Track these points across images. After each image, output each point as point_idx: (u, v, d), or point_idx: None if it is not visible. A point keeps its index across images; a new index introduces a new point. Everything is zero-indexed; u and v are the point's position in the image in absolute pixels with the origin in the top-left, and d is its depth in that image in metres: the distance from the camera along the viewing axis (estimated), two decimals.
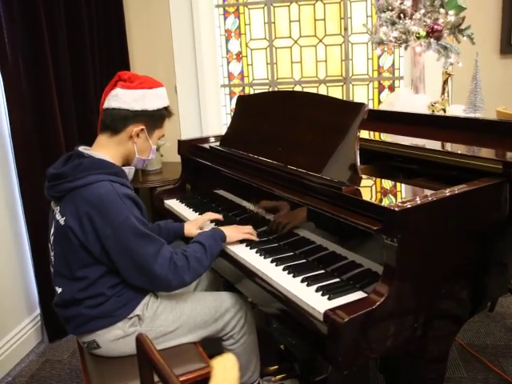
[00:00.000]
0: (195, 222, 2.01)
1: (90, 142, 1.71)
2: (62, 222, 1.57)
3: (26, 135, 2.49)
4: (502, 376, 2.22)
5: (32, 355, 2.62)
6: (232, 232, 1.79)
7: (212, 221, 2.05)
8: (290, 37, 3.80)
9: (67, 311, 1.65)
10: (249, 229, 1.83)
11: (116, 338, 1.64)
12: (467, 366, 2.31)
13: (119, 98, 1.61)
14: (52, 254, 1.69)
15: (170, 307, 1.72)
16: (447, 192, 1.39)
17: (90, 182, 1.53)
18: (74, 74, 2.90)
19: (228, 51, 3.89)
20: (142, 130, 1.65)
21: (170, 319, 1.70)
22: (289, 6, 3.72)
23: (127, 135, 1.64)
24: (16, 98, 2.43)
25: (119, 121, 1.62)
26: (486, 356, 2.37)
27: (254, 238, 1.81)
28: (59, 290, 1.64)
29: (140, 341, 1.09)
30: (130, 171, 1.71)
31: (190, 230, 1.97)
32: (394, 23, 2.71)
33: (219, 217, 2.03)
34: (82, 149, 1.66)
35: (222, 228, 1.80)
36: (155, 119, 1.68)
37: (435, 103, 2.65)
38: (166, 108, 1.71)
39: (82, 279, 1.58)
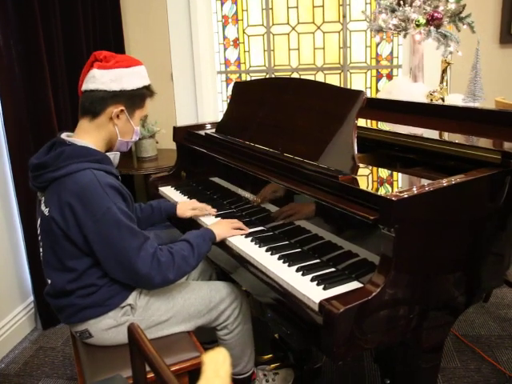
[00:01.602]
0: (189, 205, 1.99)
1: None
2: (46, 212, 1.54)
3: (18, 124, 2.45)
4: (495, 366, 2.23)
5: (25, 342, 2.61)
6: (221, 229, 1.74)
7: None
8: (288, 23, 3.76)
9: (59, 301, 1.63)
10: (237, 222, 1.80)
11: (108, 328, 1.62)
12: (461, 356, 2.31)
13: (96, 79, 1.55)
14: (41, 244, 1.67)
15: (163, 297, 1.70)
16: (445, 182, 1.38)
17: (72, 171, 1.49)
18: (68, 61, 2.86)
19: (225, 37, 3.85)
20: (122, 110, 1.59)
21: (162, 309, 1.68)
22: None
23: (107, 117, 1.58)
24: (9, 87, 2.39)
25: (98, 103, 1.56)
26: (479, 346, 2.37)
27: (244, 231, 1.77)
28: (49, 281, 1.63)
29: (131, 330, 1.08)
30: (115, 157, 1.66)
31: (184, 211, 1.96)
32: (393, 10, 2.68)
33: (212, 212, 1.98)
34: (64, 136, 1.61)
35: (211, 226, 1.76)
36: (135, 99, 1.62)
37: (434, 92, 2.63)
38: (146, 87, 1.65)
39: (70, 271, 1.56)
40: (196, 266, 1.66)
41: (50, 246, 1.58)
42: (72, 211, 1.47)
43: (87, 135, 1.59)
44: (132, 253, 1.49)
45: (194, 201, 2.04)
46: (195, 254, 1.61)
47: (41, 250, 1.64)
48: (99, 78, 1.55)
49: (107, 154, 1.62)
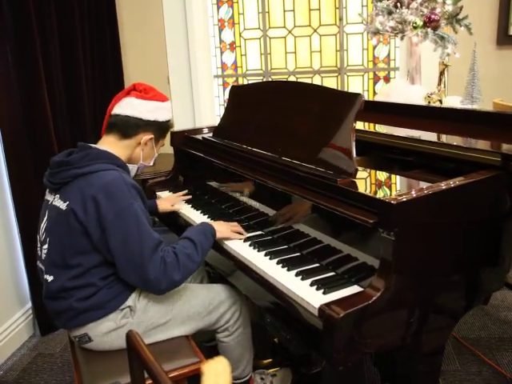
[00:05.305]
0: (168, 199, 2.17)
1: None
2: (63, 207, 1.56)
3: (15, 129, 2.45)
4: (495, 369, 2.22)
5: (24, 349, 2.60)
6: (221, 227, 1.76)
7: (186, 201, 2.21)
8: (285, 27, 3.76)
9: (57, 304, 1.62)
10: (237, 225, 1.82)
11: (108, 331, 1.62)
12: (461, 359, 2.30)
13: (133, 107, 1.70)
14: (39, 246, 1.67)
15: (163, 299, 1.69)
16: (444, 185, 1.37)
17: (99, 169, 1.57)
18: (64, 67, 2.85)
19: (221, 41, 3.85)
20: (151, 138, 1.75)
21: (162, 311, 1.68)
22: None
23: (136, 141, 1.72)
24: (6, 93, 2.38)
25: (131, 127, 1.70)
26: (480, 349, 2.36)
27: (242, 235, 1.78)
28: (50, 278, 1.61)
29: (130, 338, 1.07)
30: (132, 169, 1.78)
31: (164, 206, 2.12)
32: (390, 12, 2.68)
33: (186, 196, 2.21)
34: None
35: (212, 223, 1.77)
36: (162, 130, 1.80)
37: (431, 94, 2.62)
38: (169, 121, 1.82)
39: (74, 267, 1.57)
40: (201, 263, 1.68)
41: (58, 241, 1.59)
42: (95, 204, 1.51)
43: (112, 147, 1.68)
44: (146, 253, 1.52)
45: (171, 195, 2.25)
46: (199, 250, 1.63)
47: (44, 247, 1.64)
48: (137, 107, 1.70)
49: (127, 164, 1.74)
